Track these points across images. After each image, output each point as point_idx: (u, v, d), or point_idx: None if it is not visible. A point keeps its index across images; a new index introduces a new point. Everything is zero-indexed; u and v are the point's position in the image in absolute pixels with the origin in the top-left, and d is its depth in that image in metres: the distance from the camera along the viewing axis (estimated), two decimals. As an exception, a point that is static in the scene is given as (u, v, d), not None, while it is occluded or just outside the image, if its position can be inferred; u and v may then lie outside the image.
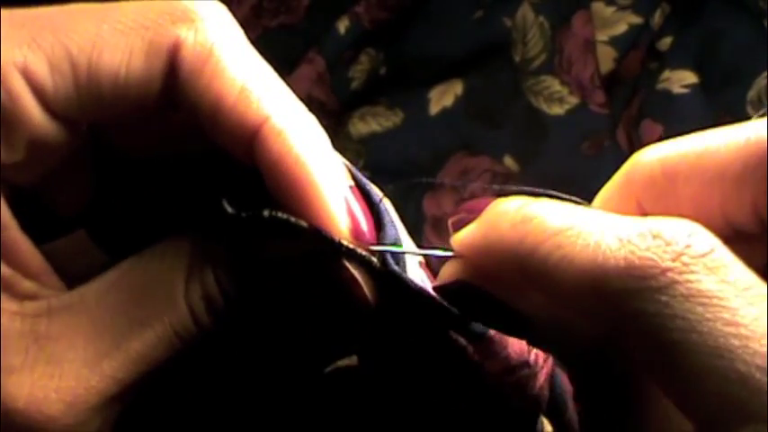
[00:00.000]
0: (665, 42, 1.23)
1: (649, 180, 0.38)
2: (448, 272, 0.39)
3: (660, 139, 1.12)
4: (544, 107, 1.20)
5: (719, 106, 1.18)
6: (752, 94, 1.17)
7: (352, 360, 0.45)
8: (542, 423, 0.45)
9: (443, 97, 1.20)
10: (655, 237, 0.31)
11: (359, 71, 1.25)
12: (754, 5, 1.23)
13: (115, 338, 0.37)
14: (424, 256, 0.40)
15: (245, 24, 1.43)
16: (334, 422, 0.46)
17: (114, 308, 0.38)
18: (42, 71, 0.36)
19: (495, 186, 1.13)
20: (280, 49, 1.28)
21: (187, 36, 0.37)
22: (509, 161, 1.16)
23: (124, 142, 0.42)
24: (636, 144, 1.17)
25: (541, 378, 0.44)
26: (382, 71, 1.25)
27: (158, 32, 0.36)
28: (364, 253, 0.38)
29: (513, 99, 1.20)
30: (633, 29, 1.24)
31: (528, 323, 0.38)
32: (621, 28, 1.24)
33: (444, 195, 1.13)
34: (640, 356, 0.31)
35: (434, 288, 0.39)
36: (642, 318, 0.30)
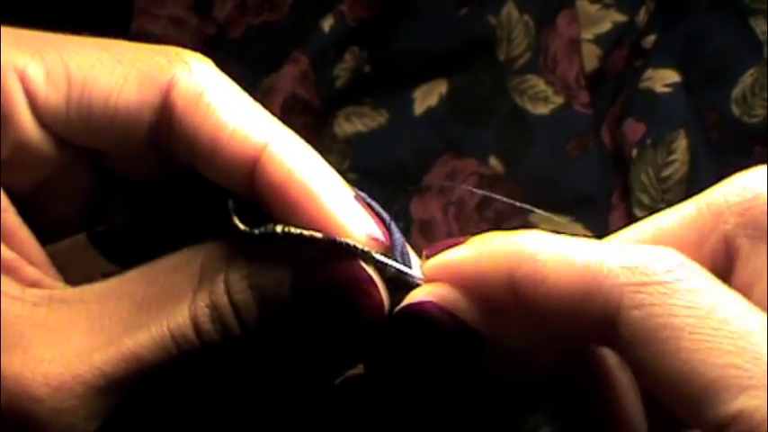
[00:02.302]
0: (650, 40, 1.24)
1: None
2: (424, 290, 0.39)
3: (643, 137, 1.13)
4: (529, 107, 1.20)
5: (704, 104, 1.18)
6: (736, 92, 1.18)
7: (359, 369, 0.45)
8: None
9: (428, 97, 1.20)
10: (654, 252, 0.34)
11: (343, 69, 1.25)
12: (738, 3, 1.23)
13: (110, 336, 0.38)
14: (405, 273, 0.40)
15: (230, 22, 1.42)
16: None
17: (113, 311, 0.39)
18: (39, 80, 0.38)
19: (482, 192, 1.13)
20: (263, 46, 1.28)
21: (182, 75, 0.39)
22: (494, 162, 1.16)
23: (122, 168, 0.44)
24: (620, 143, 1.17)
25: None
26: (366, 69, 1.24)
27: (153, 68, 0.39)
28: (381, 258, 0.39)
29: (497, 98, 1.20)
30: (618, 27, 1.24)
31: (482, 347, 0.38)
32: (606, 26, 1.25)
33: (432, 199, 1.13)
34: (634, 349, 0.33)
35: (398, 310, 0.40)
36: (643, 307, 0.32)
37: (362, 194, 0.41)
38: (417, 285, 0.40)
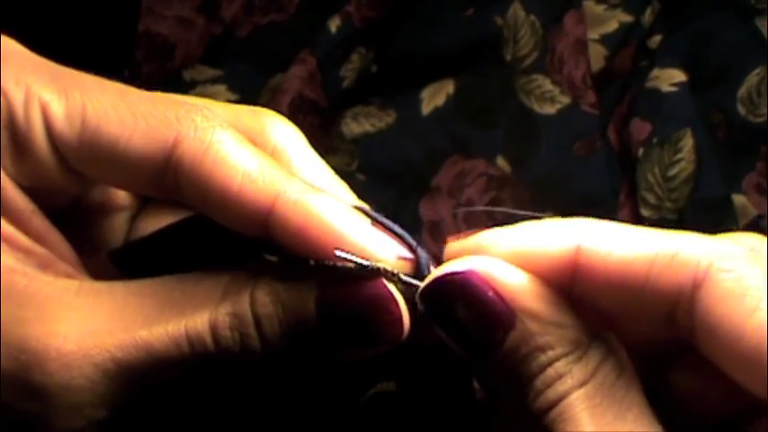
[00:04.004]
0: (656, 40, 1.24)
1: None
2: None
3: (649, 137, 1.13)
4: (536, 107, 1.20)
5: (709, 104, 1.18)
6: (742, 91, 1.18)
7: (389, 386, 0.46)
8: None
9: (435, 96, 1.21)
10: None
11: (350, 70, 1.25)
12: (743, 3, 1.23)
13: (126, 325, 0.40)
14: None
15: (236, 22, 1.41)
16: None
17: (135, 305, 0.41)
18: (58, 115, 0.41)
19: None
20: (271, 46, 1.28)
21: (188, 132, 0.41)
22: (502, 162, 1.16)
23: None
24: (626, 143, 1.17)
25: None
26: (373, 69, 1.25)
27: (162, 122, 0.41)
28: (408, 279, 0.40)
29: (504, 98, 1.20)
30: (624, 27, 1.25)
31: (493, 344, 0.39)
32: (612, 26, 1.25)
33: (440, 200, 1.13)
34: (719, 310, 0.35)
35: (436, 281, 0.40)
36: (733, 271, 0.35)
37: (378, 216, 0.42)
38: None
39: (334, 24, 1.26)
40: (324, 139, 1.17)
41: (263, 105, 1.24)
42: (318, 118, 1.21)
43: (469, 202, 1.13)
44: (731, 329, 0.35)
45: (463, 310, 0.39)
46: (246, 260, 0.42)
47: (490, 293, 0.39)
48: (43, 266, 0.42)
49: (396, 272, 0.40)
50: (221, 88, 1.24)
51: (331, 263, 0.39)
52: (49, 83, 0.41)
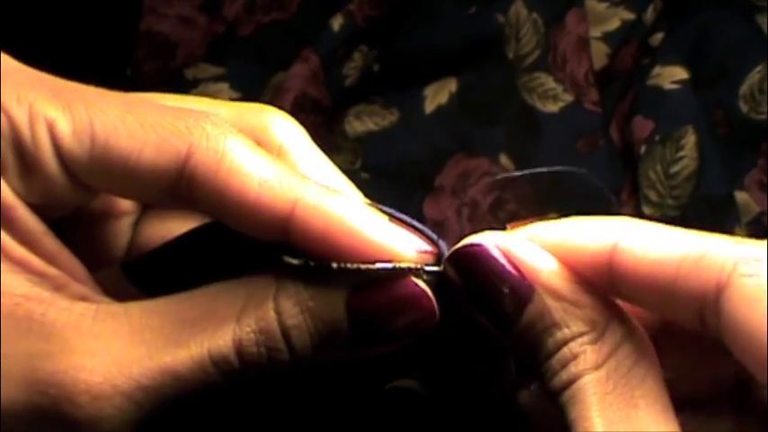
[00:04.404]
0: (658, 38, 1.24)
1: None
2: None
3: (651, 134, 1.13)
4: (538, 104, 1.20)
5: (711, 101, 1.18)
6: (744, 89, 1.18)
7: (412, 383, 0.47)
8: None
9: (438, 95, 1.21)
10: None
11: (352, 68, 1.25)
12: (745, 1, 1.23)
13: (149, 350, 0.40)
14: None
15: (238, 20, 1.41)
16: None
17: (155, 326, 0.41)
18: (66, 133, 0.40)
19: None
20: (273, 45, 1.28)
21: (200, 142, 0.40)
22: (505, 160, 1.16)
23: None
24: (628, 140, 1.17)
25: None
26: (376, 68, 1.25)
27: (173, 133, 0.40)
28: (434, 269, 0.41)
29: (507, 96, 1.20)
30: (626, 24, 1.25)
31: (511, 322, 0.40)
32: (614, 24, 1.25)
33: (444, 199, 1.13)
34: (741, 312, 0.36)
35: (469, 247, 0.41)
36: (755, 276, 0.36)
37: (394, 212, 0.42)
38: None
39: (336, 23, 1.26)
40: (327, 138, 1.17)
41: (266, 104, 1.24)
42: (321, 116, 1.22)
43: (474, 202, 1.13)
44: (752, 333, 0.35)
45: (482, 280, 0.40)
46: (265, 266, 0.41)
47: (507, 266, 0.39)
48: (57, 288, 0.41)
49: (420, 266, 0.40)
50: (224, 86, 1.24)
51: (355, 266, 0.39)
52: (51, 98, 0.40)
